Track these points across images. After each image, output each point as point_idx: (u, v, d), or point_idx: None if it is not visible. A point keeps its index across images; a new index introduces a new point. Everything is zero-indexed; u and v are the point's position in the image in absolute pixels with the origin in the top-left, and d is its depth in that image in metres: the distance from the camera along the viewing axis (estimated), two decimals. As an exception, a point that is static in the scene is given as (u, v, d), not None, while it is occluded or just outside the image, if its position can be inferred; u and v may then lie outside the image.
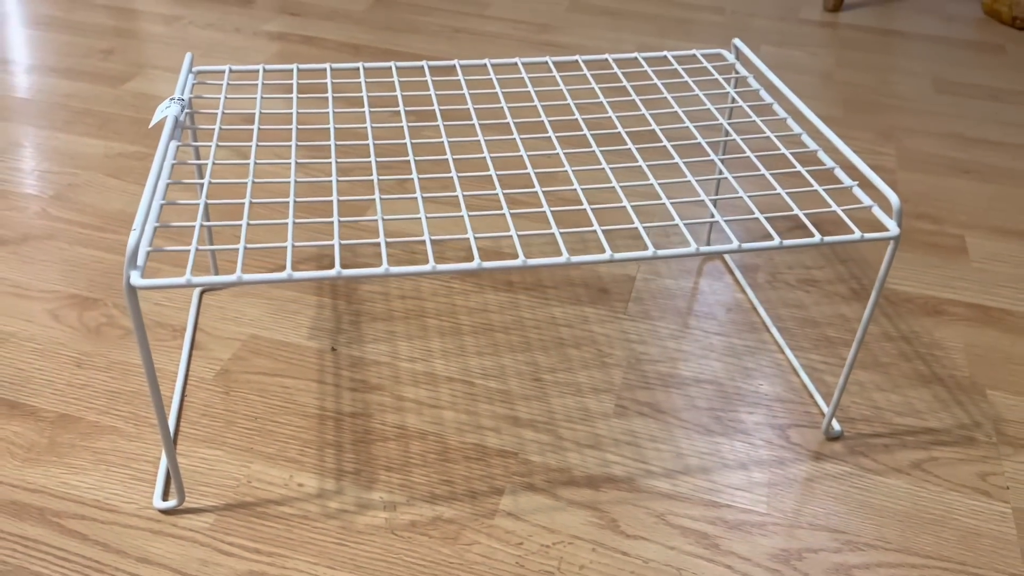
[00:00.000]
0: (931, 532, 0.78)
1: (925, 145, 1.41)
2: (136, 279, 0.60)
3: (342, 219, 0.69)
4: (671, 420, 0.88)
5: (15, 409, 0.85)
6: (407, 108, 0.84)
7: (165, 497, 0.77)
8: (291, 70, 0.89)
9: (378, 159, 0.76)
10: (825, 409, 0.89)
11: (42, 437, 0.82)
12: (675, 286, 1.07)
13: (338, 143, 0.78)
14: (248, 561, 0.72)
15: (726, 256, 1.12)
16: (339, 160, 0.76)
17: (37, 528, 0.74)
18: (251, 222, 0.68)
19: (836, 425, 0.87)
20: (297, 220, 0.69)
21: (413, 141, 0.79)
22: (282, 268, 1.06)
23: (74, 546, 0.73)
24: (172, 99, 0.78)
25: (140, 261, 0.61)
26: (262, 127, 0.79)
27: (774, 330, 1.00)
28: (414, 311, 1.00)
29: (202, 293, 1.01)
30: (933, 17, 1.94)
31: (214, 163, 0.74)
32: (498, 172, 0.76)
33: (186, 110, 0.79)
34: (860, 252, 1.15)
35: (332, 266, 1.07)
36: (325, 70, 0.90)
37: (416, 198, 0.69)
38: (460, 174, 0.76)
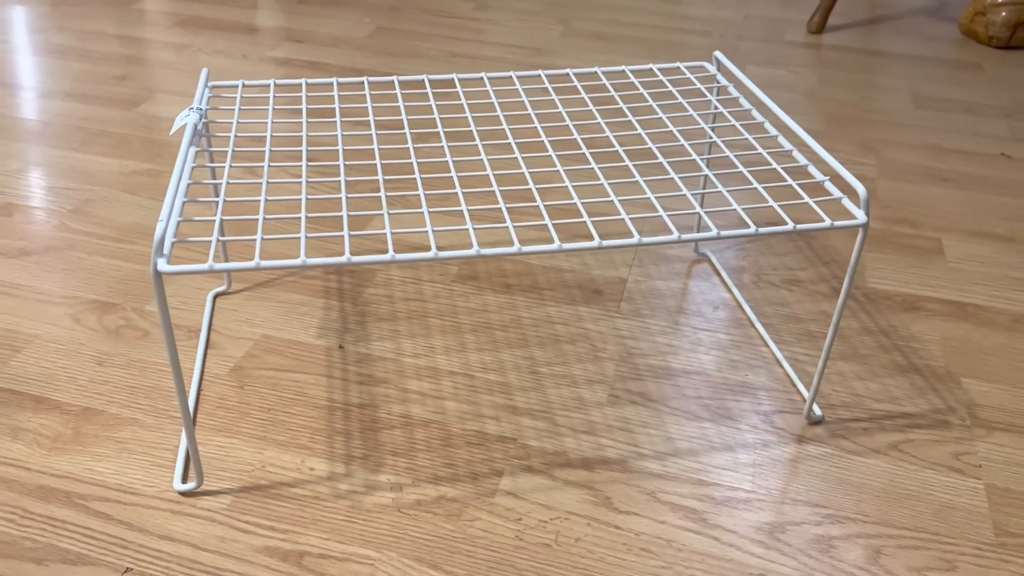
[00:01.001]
0: (908, 506, 0.83)
1: (904, 156, 1.47)
2: (163, 265, 0.66)
3: (351, 213, 0.75)
4: (661, 408, 0.93)
5: (41, 404, 0.90)
6: (409, 117, 0.91)
7: (184, 480, 0.82)
8: (300, 84, 0.96)
9: (383, 162, 0.82)
10: (807, 396, 0.94)
11: (67, 428, 0.87)
12: (665, 287, 1.12)
13: (345, 147, 0.84)
14: (263, 537, 0.77)
15: (713, 259, 1.18)
16: (346, 163, 0.82)
17: (64, 510, 0.79)
18: (267, 216, 0.74)
19: (817, 410, 0.92)
20: (309, 215, 0.74)
21: (415, 146, 0.85)
22: (293, 272, 1.12)
23: (99, 525, 0.77)
24: (191, 108, 0.84)
25: (166, 250, 0.67)
26: (274, 135, 0.85)
27: (759, 326, 1.05)
28: (417, 312, 1.06)
29: (215, 297, 1.06)
30: (913, 37, 2.02)
31: (231, 166, 0.80)
32: (495, 172, 0.81)
33: (203, 119, 0.85)
34: (841, 254, 1.20)
35: (339, 272, 1.12)
36: (332, 84, 0.96)
37: (419, 195, 0.75)
38: (460, 174, 0.81)
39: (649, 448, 0.88)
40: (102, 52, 1.75)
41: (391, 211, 0.75)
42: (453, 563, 0.75)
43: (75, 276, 1.09)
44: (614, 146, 0.87)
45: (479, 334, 1.02)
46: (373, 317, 1.05)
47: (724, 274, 1.15)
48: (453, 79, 0.98)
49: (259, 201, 0.76)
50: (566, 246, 0.71)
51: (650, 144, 0.87)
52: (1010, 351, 1.03)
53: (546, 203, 0.78)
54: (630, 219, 0.75)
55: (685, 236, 0.73)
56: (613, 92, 0.97)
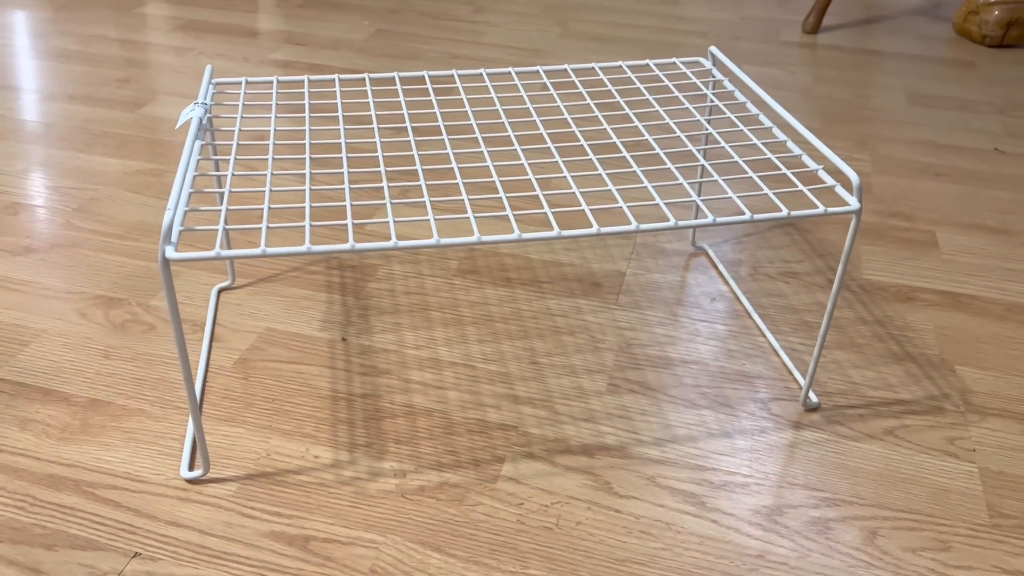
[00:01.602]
0: (903, 489, 0.84)
1: (898, 152, 1.49)
2: (170, 253, 0.67)
3: (354, 203, 0.76)
4: (660, 396, 0.94)
5: (49, 396, 0.91)
6: (410, 112, 0.92)
7: (191, 468, 0.83)
8: (302, 80, 0.97)
9: (385, 155, 0.84)
10: (803, 384, 0.95)
11: (75, 419, 0.89)
12: (663, 280, 1.13)
13: (348, 141, 0.85)
14: (269, 523, 0.78)
15: (711, 252, 1.19)
16: (349, 155, 0.83)
17: (73, 497, 0.80)
18: (271, 206, 0.75)
19: (813, 397, 0.94)
20: (313, 204, 0.76)
21: (417, 139, 0.87)
22: (296, 267, 1.13)
23: (108, 512, 0.79)
24: (196, 103, 0.85)
25: (174, 238, 0.68)
26: (278, 129, 0.87)
27: (756, 317, 1.07)
28: (418, 305, 1.07)
29: (220, 292, 1.08)
30: (907, 37, 2.04)
31: (236, 159, 0.82)
32: (495, 164, 0.83)
33: (207, 114, 0.87)
34: (837, 246, 1.22)
35: (342, 268, 1.14)
36: (334, 80, 0.98)
37: (420, 185, 0.77)
38: (460, 165, 0.83)
39: (648, 435, 0.89)
40: (104, 55, 1.77)
41: (393, 200, 0.76)
42: (456, 546, 0.77)
43: (81, 272, 1.11)
44: (612, 139, 0.88)
45: (480, 326, 1.04)
46: (375, 311, 1.06)
47: (721, 267, 1.16)
48: (453, 75, 1.00)
49: (263, 192, 0.78)
50: (565, 233, 0.72)
51: (647, 136, 0.89)
52: (1003, 339, 1.05)
53: (545, 193, 0.80)
54: (628, 207, 0.77)
55: (682, 223, 0.74)
56: (611, 87, 0.98)
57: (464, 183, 0.79)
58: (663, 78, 1.01)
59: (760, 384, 0.96)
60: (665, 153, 0.87)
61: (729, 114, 0.93)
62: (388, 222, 0.73)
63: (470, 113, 0.92)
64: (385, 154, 0.84)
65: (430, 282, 1.11)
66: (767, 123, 0.92)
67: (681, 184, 0.81)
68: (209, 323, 1.02)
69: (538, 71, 1.02)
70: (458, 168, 0.82)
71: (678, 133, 0.90)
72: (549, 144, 0.87)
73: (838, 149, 1.48)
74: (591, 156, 0.85)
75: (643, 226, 0.74)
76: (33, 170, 1.34)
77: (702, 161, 0.85)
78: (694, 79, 1.00)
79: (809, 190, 0.80)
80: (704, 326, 1.05)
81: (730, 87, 0.99)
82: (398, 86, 0.95)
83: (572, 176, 0.81)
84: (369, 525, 0.78)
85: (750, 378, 0.97)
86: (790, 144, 0.88)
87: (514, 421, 0.90)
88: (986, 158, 1.48)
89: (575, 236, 0.73)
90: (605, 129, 0.90)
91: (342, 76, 0.98)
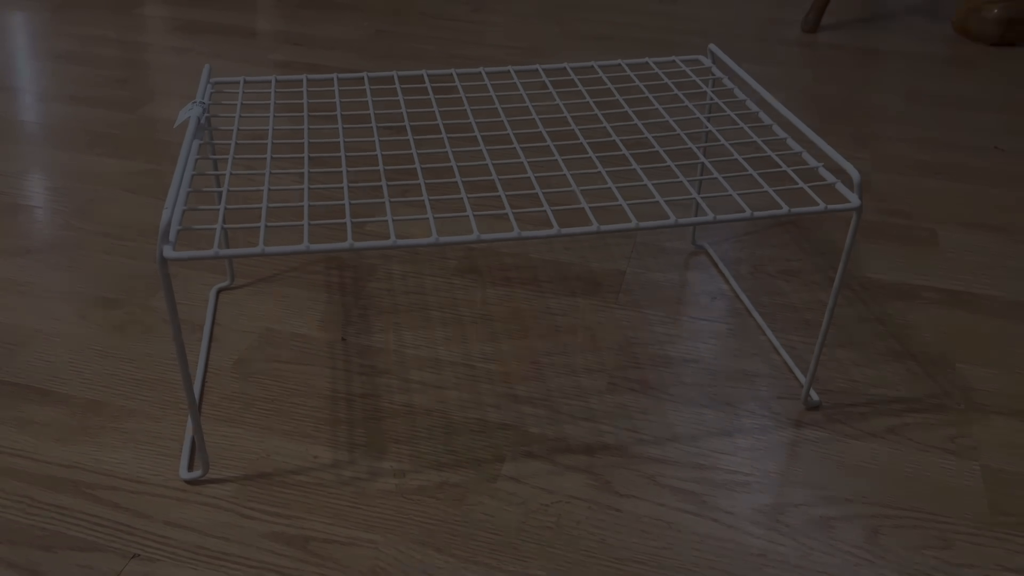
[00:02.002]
0: (905, 487, 0.84)
1: (898, 150, 1.49)
2: (168, 252, 0.67)
3: (353, 201, 0.76)
4: (660, 395, 0.94)
5: (47, 396, 0.91)
6: (408, 111, 0.92)
7: (190, 469, 0.83)
8: (300, 80, 0.97)
9: (384, 153, 0.83)
10: (804, 382, 0.95)
11: (73, 420, 0.88)
12: (663, 279, 1.13)
13: (347, 140, 0.85)
14: (268, 523, 0.78)
15: (711, 251, 1.19)
16: (348, 154, 0.83)
17: (72, 498, 0.80)
18: (270, 205, 0.75)
19: (815, 395, 0.94)
20: (312, 204, 0.75)
21: (416, 137, 0.86)
22: (295, 267, 1.13)
23: (107, 513, 0.78)
24: (194, 102, 0.85)
25: (172, 237, 0.68)
26: (276, 128, 0.87)
27: (756, 315, 1.06)
28: (418, 305, 1.07)
29: (219, 292, 1.07)
30: (907, 35, 2.04)
31: (234, 158, 0.82)
32: (494, 162, 0.83)
33: (206, 113, 0.86)
34: (837, 245, 1.22)
35: (341, 268, 1.14)
36: (332, 79, 0.98)
37: (419, 183, 0.76)
38: (459, 163, 0.83)
39: (648, 434, 0.89)
40: (103, 56, 1.77)
41: (392, 199, 0.76)
42: (456, 546, 0.76)
43: (79, 273, 1.10)
44: (611, 137, 0.88)
45: (479, 326, 1.04)
46: (375, 310, 1.06)
47: (721, 265, 1.16)
48: (452, 74, 0.99)
49: (262, 191, 0.77)
50: (564, 231, 0.72)
51: (647, 134, 0.89)
52: (1003, 337, 1.04)
53: (544, 191, 0.80)
54: (627, 205, 0.77)
55: (682, 221, 0.74)
56: (610, 85, 0.98)
57: (463, 182, 0.79)
58: (663, 76, 1.00)
59: (761, 382, 0.96)
60: (665, 151, 0.87)
61: (729, 112, 0.93)
62: (387, 221, 0.73)
63: (469, 112, 0.91)
64: (384, 153, 0.83)
65: (429, 282, 1.11)
66: (767, 121, 0.91)
67: (681, 182, 0.81)
68: (208, 323, 1.02)
69: (537, 70, 1.01)
70: (457, 167, 0.82)
71: (678, 131, 0.90)
72: (548, 143, 0.87)
73: (838, 147, 1.48)
74: (591, 154, 0.85)
75: (643, 224, 0.74)
76: (32, 171, 1.33)
77: (702, 159, 0.85)
78: (694, 77, 1.00)
79: (809, 187, 0.80)
80: (704, 325, 1.05)
81: (730, 85, 0.99)
82: (397, 85, 0.95)
83: (571, 174, 0.81)
84: (369, 525, 0.78)
85: (751, 376, 0.97)
86: (790, 142, 0.87)
87: (514, 420, 0.90)
88: (985, 156, 1.48)
89: (575, 234, 0.73)
90: (604, 127, 0.90)
91: (341, 75, 0.98)
